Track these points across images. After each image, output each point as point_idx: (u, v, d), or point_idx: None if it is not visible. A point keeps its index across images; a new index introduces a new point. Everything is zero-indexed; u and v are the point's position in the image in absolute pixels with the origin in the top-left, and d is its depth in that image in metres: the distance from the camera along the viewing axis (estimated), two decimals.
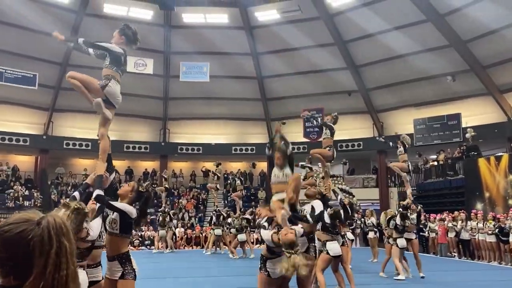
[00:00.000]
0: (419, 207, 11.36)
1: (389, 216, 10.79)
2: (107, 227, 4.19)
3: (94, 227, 3.79)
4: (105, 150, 4.49)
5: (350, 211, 9.20)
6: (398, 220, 9.94)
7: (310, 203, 6.98)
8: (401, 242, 9.75)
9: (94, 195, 4.02)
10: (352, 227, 13.11)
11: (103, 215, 4.11)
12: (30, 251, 1.24)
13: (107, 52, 4.76)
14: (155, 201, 21.35)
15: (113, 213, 4.13)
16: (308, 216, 6.02)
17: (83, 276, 3.61)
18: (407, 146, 10.97)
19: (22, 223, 1.27)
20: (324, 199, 7.74)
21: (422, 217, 14.81)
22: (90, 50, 4.92)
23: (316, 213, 5.83)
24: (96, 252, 4.44)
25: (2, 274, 1.26)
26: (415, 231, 10.70)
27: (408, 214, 10.31)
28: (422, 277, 9.74)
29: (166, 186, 19.91)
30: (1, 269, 1.26)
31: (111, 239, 4.12)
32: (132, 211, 4.05)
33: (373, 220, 14.94)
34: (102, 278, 4.49)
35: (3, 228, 1.27)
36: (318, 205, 5.95)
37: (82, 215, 3.59)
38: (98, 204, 4.03)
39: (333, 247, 7.41)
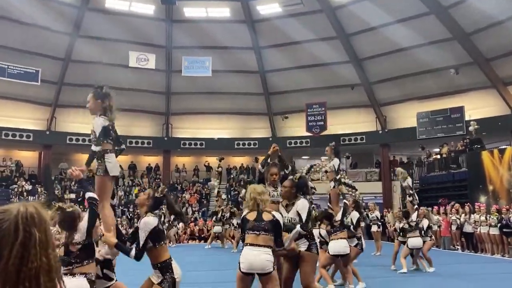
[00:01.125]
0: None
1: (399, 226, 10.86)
2: None
3: (81, 225, 3.71)
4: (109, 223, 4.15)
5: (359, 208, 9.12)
6: (400, 224, 10.06)
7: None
8: (411, 242, 9.66)
9: (131, 255, 3.99)
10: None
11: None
12: None
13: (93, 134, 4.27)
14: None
15: None
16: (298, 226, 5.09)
17: (79, 283, 3.51)
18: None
19: (2, 213, 1.23)
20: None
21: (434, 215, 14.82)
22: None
23: (306, 215, 5.05)
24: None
25: None
26: (430, 235, 10.64)
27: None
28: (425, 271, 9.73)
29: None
30: None
31: (150, 251, 4.08)
32: (152, 225, 3.97)
33: (377, 213, 14.97)
34: (116, 280, 4.45)
35: None
36: (303, 206, 5.14)
37: (68, 216, 3.55)
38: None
39: (332, 246, 7.25)
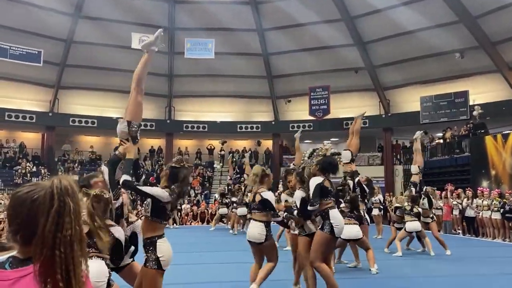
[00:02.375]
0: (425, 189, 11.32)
1: (396, 205, 10.86)
2: (143, 210, 4.15)
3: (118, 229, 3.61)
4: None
5: (368, 188, 9.13)
6: (405, 203, 10.07)
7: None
8: (409, 225, 9.72)
9: (121, 180, 3.83)
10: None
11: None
12: (34, 211, 1.25)
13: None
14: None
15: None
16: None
17: (99, 265, 3.39)
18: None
19: (34, 185, 1.31)
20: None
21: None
22: None
23: (313, 191, 5.25)
24: None
25: (12, 234, 1.29)
26: (431, 215, 10.75)
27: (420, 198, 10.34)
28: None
29: None
30: (11, 228, 1.30)
31: (143, 222, 4.03)
32: (162, 195, 3.84)
33: (380, 197, 14.98)
34: (133, 260, 4.44)
35: (18, 189, 1.33)
36: (312, 183, 5.33)
37: (104, 201, 3.41)
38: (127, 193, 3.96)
39: (346, 231, 7.36)
